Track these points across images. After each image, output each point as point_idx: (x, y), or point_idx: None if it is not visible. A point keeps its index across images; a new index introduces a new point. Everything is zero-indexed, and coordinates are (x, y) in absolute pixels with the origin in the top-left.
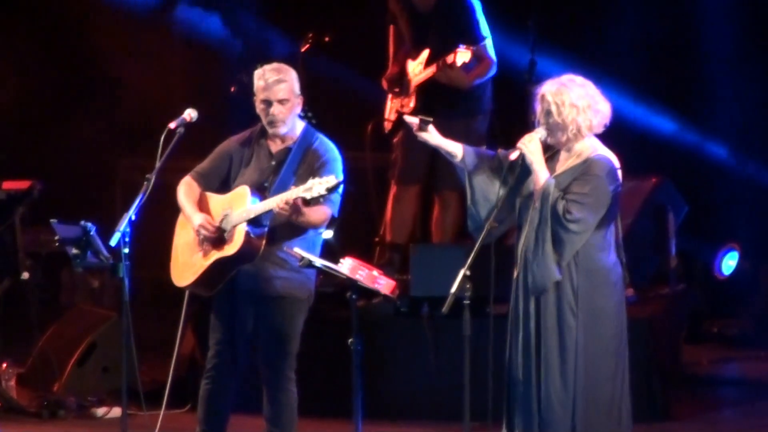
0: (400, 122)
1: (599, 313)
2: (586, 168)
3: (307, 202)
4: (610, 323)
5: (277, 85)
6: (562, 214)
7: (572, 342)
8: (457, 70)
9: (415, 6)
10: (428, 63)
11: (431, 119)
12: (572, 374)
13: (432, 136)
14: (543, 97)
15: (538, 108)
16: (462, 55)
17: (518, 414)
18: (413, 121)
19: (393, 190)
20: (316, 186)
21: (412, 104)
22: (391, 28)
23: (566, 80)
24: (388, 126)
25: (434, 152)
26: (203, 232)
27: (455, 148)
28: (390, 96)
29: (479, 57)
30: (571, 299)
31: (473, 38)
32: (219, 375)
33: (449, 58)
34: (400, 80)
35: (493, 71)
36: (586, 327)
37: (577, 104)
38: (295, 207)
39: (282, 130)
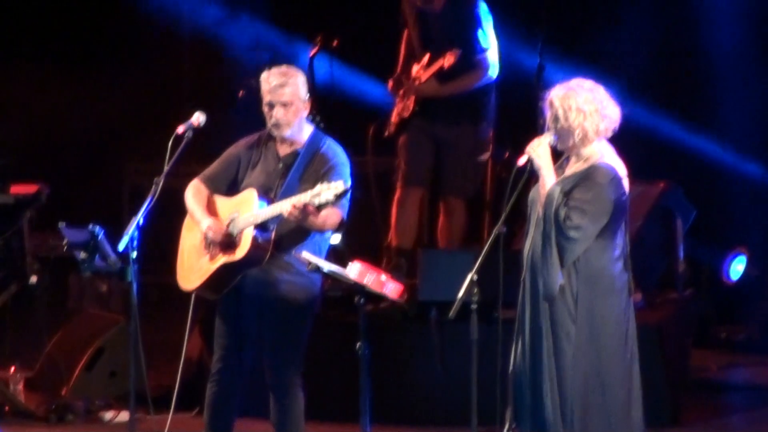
0: (402, 125)
1: (600, 320)
2: (590, 174)
3: (317, 207)
4: (613, 331)
5: (281, 89)
6: (563, 220)
7: (569, 347)
8: (429, 83)
9: (424, 9)
10: (428, 66)
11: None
12: (569, 379)
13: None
14: (551, 102)
15: (548, 113)
16: (447, 61)
17: (523, 417)
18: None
19: (397, 194)
20: (325, 192)
21: (411, 107)
22: (405, 32)
23: (575, 85)
24: (392, 129)
25: (438, 156)
26: (211, 234)
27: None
28: (397, 99)
29: (473, 66)
30: (570, 305)
31: (470, 49)
32: (224, 379)
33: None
34: (407, 82)
35: (484, 82)
36: (585, 333)
37: (583, 109)
38: (305, 211)
39: (286, 132)
